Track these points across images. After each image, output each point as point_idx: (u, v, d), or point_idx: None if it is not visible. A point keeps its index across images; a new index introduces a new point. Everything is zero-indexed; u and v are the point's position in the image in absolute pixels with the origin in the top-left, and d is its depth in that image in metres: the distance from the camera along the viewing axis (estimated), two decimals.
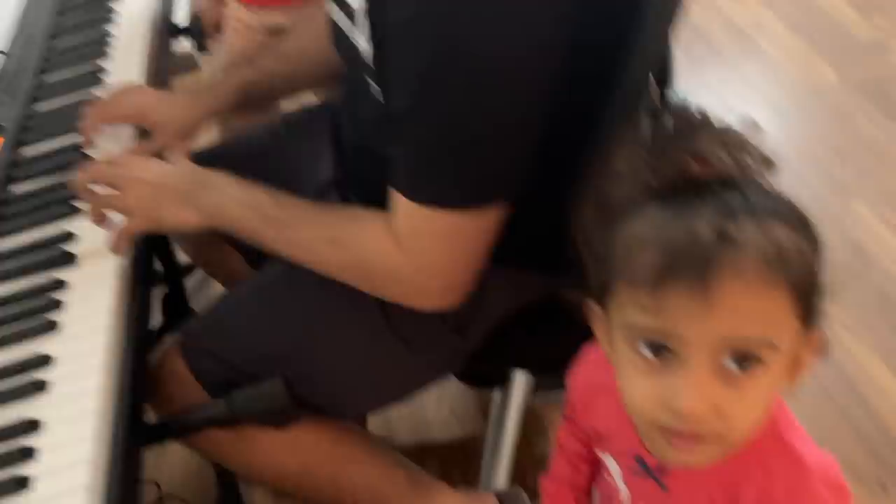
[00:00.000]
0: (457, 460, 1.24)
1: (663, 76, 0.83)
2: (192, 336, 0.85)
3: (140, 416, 0.72)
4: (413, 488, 0.96)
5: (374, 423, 1.34)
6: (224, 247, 1.04)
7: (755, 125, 0.53)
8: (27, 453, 0.63)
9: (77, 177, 0.81)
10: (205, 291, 1.32)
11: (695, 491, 0.59)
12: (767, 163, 0.52)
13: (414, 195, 0.68)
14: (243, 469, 0.88)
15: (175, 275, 1.18)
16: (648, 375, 0.51)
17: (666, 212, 0.50)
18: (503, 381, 0.98)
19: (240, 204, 0.77)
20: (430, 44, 0.63)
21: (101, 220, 0.79)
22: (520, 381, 0.98)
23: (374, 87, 0.72)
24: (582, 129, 0.70)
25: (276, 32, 1.21)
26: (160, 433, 0.77)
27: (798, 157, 1.68)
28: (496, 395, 1.04)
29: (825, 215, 1.55)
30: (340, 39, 0.79)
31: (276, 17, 1.25)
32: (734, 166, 0.51)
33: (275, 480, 0.88)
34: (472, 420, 1.30)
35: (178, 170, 0.81)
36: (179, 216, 0.77)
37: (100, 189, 0.80)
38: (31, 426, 0.65)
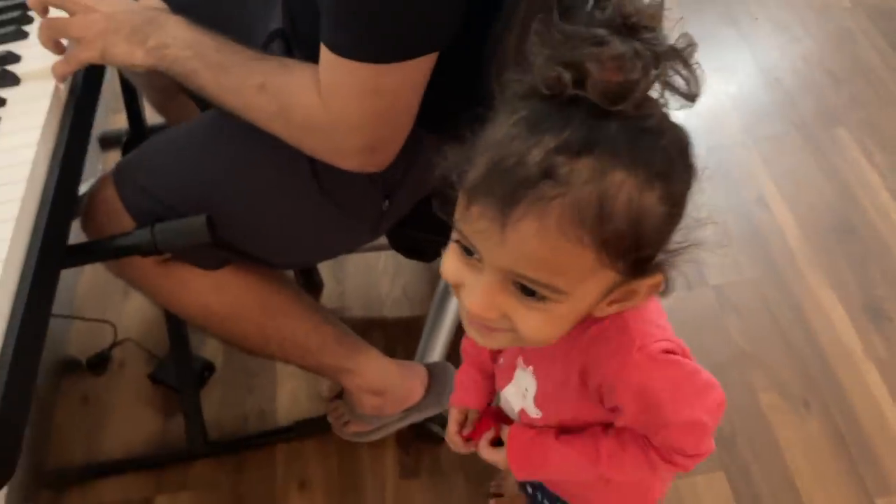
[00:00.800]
0: (401, 337, 1.28)
1: None
2: (127, 169, 0.87)
3: (63, 238, 0.74)
4: (340, 345, 1.00)
5: (327, 295, 1.39)
6: (184, 98, 1.05)
7: (692, 47, 0.48)
8: None
9: None
10: None
11: (549, 367, 0.62)
12: (687, 95, 0.48)
13: (335, 47, 0.68)
14: (174, 307, 0.92)
15: (139, 127, 1.21)
16: (460, 264, 0.52)
17: (521, 124, 0.48)
18: (437, 255, 1.00)
19: (184, 45, 0.77)
20: None
21: (49, 43, 0.80)
22: None
23: None
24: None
25: None
26: (83, 254, 0.80)
27: (792, 75, 1.64)
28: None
29: (806, 139, 1.54)
30: None
31: None
32: (636, 87, 0.46)
33: (203, 321, 0.92)
34: (423, 301, 1.34)
35: (131, 5, 0.81)
36: (126, 50, 0.78)
37: (54, 13, 0.80)
38: None
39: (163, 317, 1.05)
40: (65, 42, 0.81)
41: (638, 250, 0.48)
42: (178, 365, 1.13)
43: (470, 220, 0.49)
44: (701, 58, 0.49)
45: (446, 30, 0.69)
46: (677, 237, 0.51)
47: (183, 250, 0.80)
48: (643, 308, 0.57)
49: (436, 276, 1.34)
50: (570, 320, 0.53)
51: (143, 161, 0.88)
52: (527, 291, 0.49)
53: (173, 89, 1.04)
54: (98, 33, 0.77)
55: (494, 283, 0.50)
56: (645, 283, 0.51)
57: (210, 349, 1.29)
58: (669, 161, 0.48)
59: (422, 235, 0.94)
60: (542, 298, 0.49)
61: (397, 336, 1.30)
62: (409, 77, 0.70)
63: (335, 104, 0.70)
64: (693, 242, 0.50)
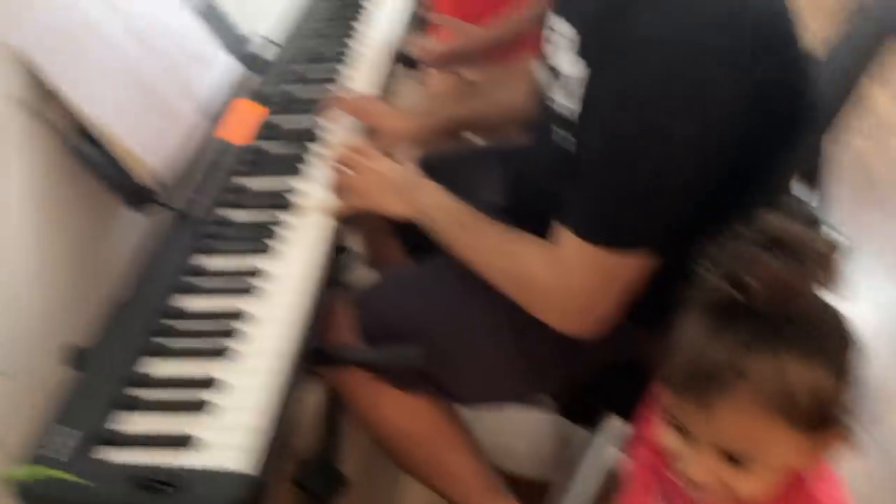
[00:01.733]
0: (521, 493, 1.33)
1: (811, 180, 0.94)
2: (369, 294, 1.05)
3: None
4: (488, 489, 1.08)
5: None
6: (389, 236, 1.23)
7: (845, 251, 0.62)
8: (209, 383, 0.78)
9: (330, 153, 1.04)
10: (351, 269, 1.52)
11: None
12: (839, 289, 0.61)
13: (584, 232, 0.82)
14: (362, 413, 1.04)
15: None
16: (677, 438, 0.66)
17: (706, 326, 0.62)
18: (594, 422, 1.09)
19: (439, 207, 0.96)
20: (627, 118, 0.78)
21: (335, 187, 1.01)
22: (610, 427, 1.09)
23: (561, 135, 0.89)
24: (725, 206, 0.82)
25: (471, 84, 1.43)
26: (319, 356, 0.94)
27: None
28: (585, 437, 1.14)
29: None
30: (539, 94, 0.98)
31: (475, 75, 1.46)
32: (791, 296, 0.59)
33: (382, 434, 1.04)
34: (549, 462, 1.40)
35: (402, 169, 1.02)
36: (394, 206, 0.98)
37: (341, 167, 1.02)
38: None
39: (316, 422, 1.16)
40: None
41: (828, 416, 0.61)
42: (323, 472, 1.23)
43: (678, 406, 0.63)
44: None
45: (672, 234, 0.82)
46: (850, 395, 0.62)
47: (396, 372, 0.94)
48: (827, 475, 0.67)
49: (566, 440, 1.41)
50: (774, 478, 0.63)
51: (384, 291, 1.05)
52: (733, 460, 0.62)
53: (385, 229, 1.23)
54: (374, 191, 0.97)
55: (707, 452, 0.63)
56: (830, 434, 0.63)
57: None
58: (831, 338, 0.61)
59: (593, 402, 1.05)
60: (746, 465, 0.62)
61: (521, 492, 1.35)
62: (636, 265, 0.82)
63: (570, 276, 0.84)
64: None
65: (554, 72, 0.92)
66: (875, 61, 0.88)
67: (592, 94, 0.82)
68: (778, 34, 0.80)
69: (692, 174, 0.79)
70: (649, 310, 0.79)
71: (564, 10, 0.91)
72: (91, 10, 0.98)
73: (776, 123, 0.82)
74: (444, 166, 1.19)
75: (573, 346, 0.90)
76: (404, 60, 1.49)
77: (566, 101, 0.88)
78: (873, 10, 0.96)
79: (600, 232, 0.82)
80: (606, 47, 0.80)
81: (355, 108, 1.14)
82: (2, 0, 0.87)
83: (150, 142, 1.01)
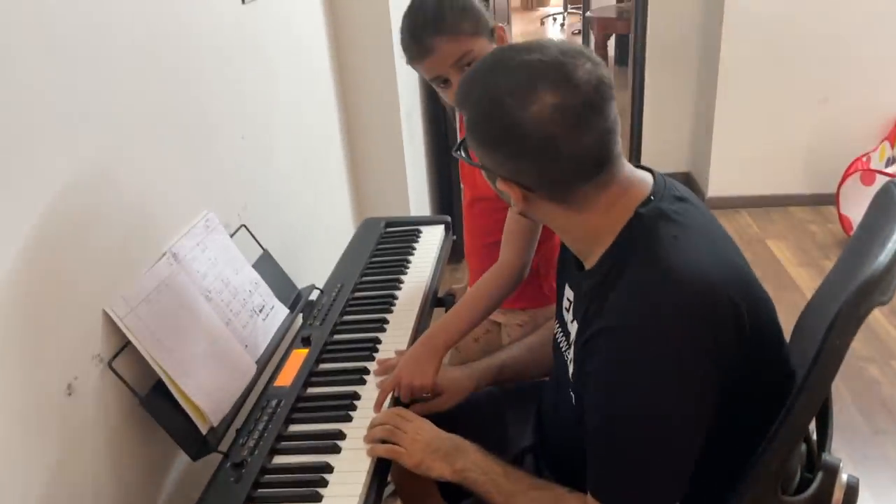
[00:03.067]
0: None
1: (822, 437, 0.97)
2: None
3: None
4: None
5: None
6: (429, 483, 1.26)
7: None
8: None
9: (375, 414, 1.12)
10: None
11: None
12: None
13: (599, 496, 0.88)
14: None
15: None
16: None
17: None
18: None
19: (480, 470, 1.01)
20: (619, 401, 0.85)
21: (374, 445, 1.06)
22: None
23: (572, 394, 0.96)
24: (736, 443, 0.86)
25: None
26: None
27: None
28: None
29: None
30: (556, 348, 1.08)
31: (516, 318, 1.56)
32: None
33: None
34: None
35: (442, 435, 1.07)
36: (437, 468, 1.03)
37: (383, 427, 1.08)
38: None
39: None
40: None
41: None
42: None
43: None
44: None
45: (682, 489, 0.86)
46: None
47: None
48: None
49: None
50: None
51: None
52: None
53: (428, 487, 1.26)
54: (420, 451, 1.04)
55: None
56: None
57: None
58: None
59: None
60: None
61: None
62: None
63: None
64: None
65: (567, 334, 1.03)
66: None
67: (582, 369, 0.91)
68: (748, 312, 0.86)
69: (692, 436, 0.84)
70: None
71: (567, 278, 1.04)
72: (168, 272, 1.12)
73: (763, 381, 0.89)
74: (476, 407, 1.25)
75: None
76: (440, 302, 1.62)
77: (572, 365, 0.97)
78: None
79: (611, 497, 0.87)
80: (594, 317, 0.89)
81: (407, 383, 1.19)
82: (99, 267, 1.01)
83: (214, 395, 1.10)
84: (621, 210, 0.90)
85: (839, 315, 0.77)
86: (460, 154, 1.01)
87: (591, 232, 0.91)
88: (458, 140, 1.06)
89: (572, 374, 0.96)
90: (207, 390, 1.09)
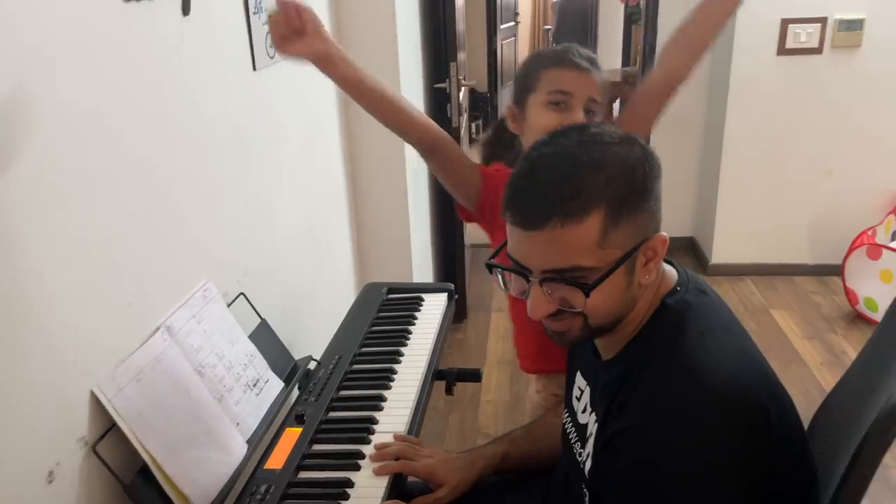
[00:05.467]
0: None
1: None
2: None
3: None
4: None
5: None
6: None
7: None
8: None
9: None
10: None
11: None
12: None
13: None
14: None
15: None
16: None
17: None
18: None
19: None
20: (642, 499, 0.81)
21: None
22: None
23: (585, 492, 0.92)
24: None
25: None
26: None
27: None
28: None
29: None
30: (565, 440, 1.04)
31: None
32: None
33: None
34: None
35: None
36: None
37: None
38: None
39: None
40: None
41: None
42: None
43: None
44: None
45: None
46: None
47: None
48: None
49: None
50: None
51: None
52: None
53: None
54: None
55: None
56: None
57: None
58: None
59: None
60: None
61: None
62: None
63: None
64: None
65: (581, 430, 0.98)
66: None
67: (603, 467, 0.87)
68: (776, 414, 0.83)
69: None
70: None
71: (581, 366, 0.99)
72: (161, 347, 1.09)
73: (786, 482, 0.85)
74: (476, 498, 1.20)
75: None
76: (441, 376, 1.58)
77: (588, 461, 0.93)
78: None
79: None
80: (617, 414, 0.86)
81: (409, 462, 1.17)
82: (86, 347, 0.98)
83: (201, 480, 1.05)
84: (650, 296, 0.89)
85: (867, 441, 0.74)
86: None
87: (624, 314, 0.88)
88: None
89: (589, 472, 0.92)
90: (194, 475, 1.05)
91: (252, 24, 1.50)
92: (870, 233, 3.14)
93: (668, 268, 0.93)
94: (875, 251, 2.98)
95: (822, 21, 3.12)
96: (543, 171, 0.83)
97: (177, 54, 1.21)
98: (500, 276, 0.91)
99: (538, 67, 1.31)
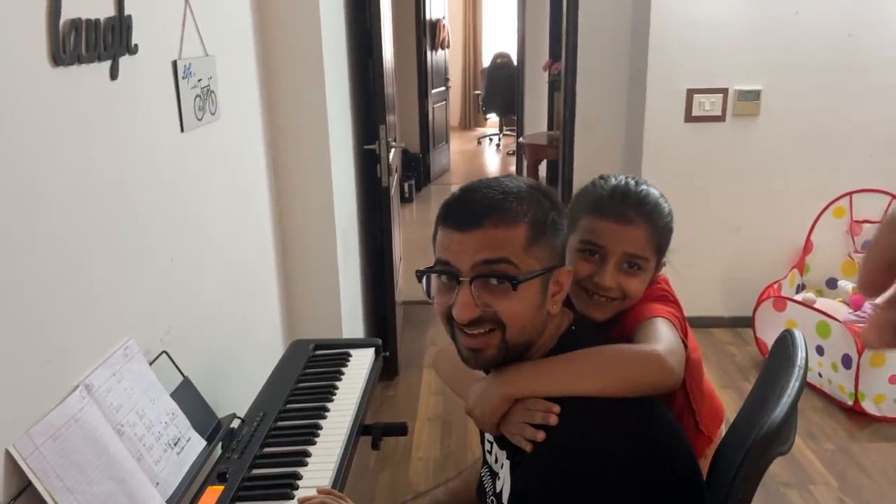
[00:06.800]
0: None
1: None
2: None
3: None
4: None
5: None
6: None
7: None
8: None
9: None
10: None
11: None
12: None
13: None
14: None
15: None
16: None
17: None
18: None
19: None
20: None
21: None
22: None
23: None
24: None
25: None
26: None
27: None
28: None
29: None
30: (480, 493, 1.09)
31: None
32: None
33: None
34: None
35: None
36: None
37: None
38: None
39: None
40: None
41: None
42: None
43: None
44: None
45: None
46: None
47: None
48: None
49: None
50: None
51: None
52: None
53: None
54: None
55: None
56: None
57: None
58: None
59: None
60: None
61: None
62: None
63: None
64: None
65: (494, 475, 1.03)
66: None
67: (515, 491, 0.92)
68: (668, 446, 0.91)
69: None
70: None
71: None
72: (79, 406, 1.08)
73: None
74: None
75: None
76: (367, 430, 1.60)
77: (506, 485, 0.97)
78: None
79: None
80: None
81: None
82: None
83: None
84: (553, 331, 0.98)
85: (742, 467, 0.81)
86: None
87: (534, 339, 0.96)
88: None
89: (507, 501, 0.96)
90: None
91: (181, 87, 1.54)
92: (776, 286, 3.34)
93: (565, 310, 1.03)
94: (780, 303, 3.17)
95: (724, 91, 3.38)
96: (480, 191, 0.94)
97: (105, 116, 1.24)
98: (425, 284, 0.97)
99: (581, 208, 1.14)
